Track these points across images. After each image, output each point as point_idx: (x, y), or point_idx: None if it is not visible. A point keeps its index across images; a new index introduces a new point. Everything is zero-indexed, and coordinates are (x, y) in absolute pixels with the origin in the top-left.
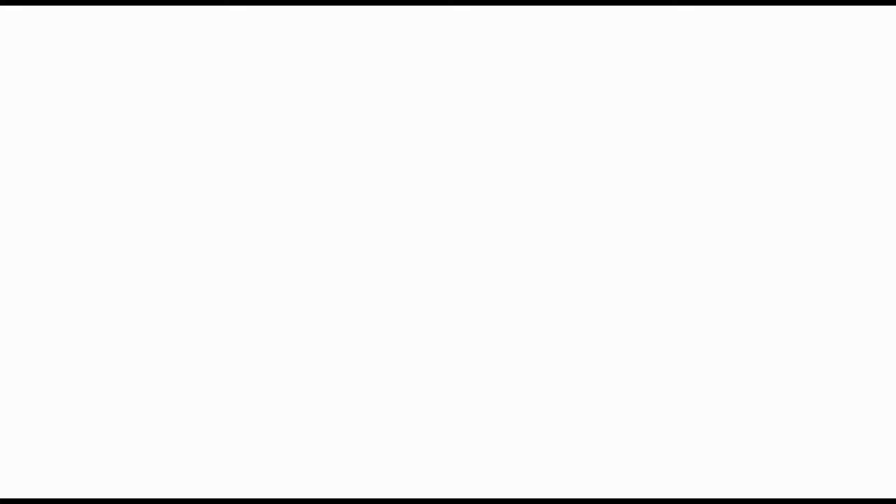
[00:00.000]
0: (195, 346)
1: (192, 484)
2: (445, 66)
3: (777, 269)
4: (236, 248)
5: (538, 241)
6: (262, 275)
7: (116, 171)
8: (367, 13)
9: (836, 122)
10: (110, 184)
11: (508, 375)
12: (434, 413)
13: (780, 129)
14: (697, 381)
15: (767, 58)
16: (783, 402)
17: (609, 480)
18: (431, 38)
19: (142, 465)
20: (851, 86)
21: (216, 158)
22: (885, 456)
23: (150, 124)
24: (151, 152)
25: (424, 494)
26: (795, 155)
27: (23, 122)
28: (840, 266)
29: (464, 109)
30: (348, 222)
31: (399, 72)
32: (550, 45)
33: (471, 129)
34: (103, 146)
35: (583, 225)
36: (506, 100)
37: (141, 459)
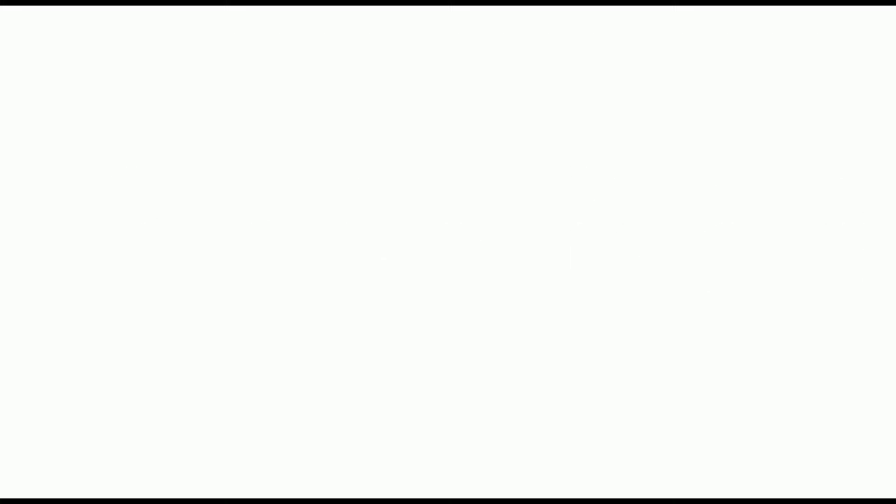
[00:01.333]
0: (195, 347)
1: (192, 484)
2: (445, 67)
3: (776, 269)
4: (235, 247)
5: (537, 240)
6: (262, 274)
7: (116, 171)
8: (367, 13)
9: (835, 121)
10: (110, 183)
11: (508, 376)
12: (434, 413)
13: (780, 128)
14: (697, 381)
15: (767, 58)
16: (783, 402)
17: (609, 481)
18: (431, 38)
19: (142, 465)
20: (851, 86)
21: (216, 158)
22: (886, 456)
23: (150, 124)
24: (151, 152)
25: (424, 494)
26: (795, 154)
27: (23, 121)
28: (840, 266)
29: (464, 109)
30: (347, 220)
31: (399, 72)
32: (550, 46)
33: (471, 129)
34: (103, 145)
35: (582, 224)
36: (506, 100)
37: (141, 459)
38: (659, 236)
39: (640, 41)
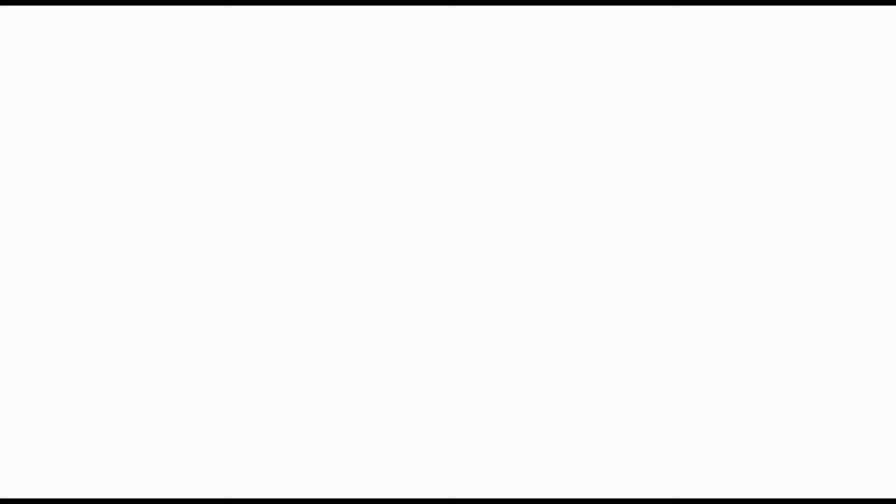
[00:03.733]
0: (194, 348)
1: (192, 484)
2: (445, 67)
3: (776, 270)
4: (235, 249)
5: (537, 241)
6: (261, 276)
7: (116, 171)
8: (367, 13)
9: (835, 122)
10: (110, 183)
11: (507, 377)
12: (434, 413)
13: (780, 129)
14: (697, 381)
15: (767, 58)
16: (783, 402)
17: (609, 480)
18: (431, 38)
19: (142, 465)
20: (851, 86)
21: (216, 159)
22: (886, 456)
23: (150, 124)
24: (151, 152)
25: (424, 494)
26: (795, 155)
27: (23, 122)
28: (840, 266)
29: (464, 110)
30: (347, 222)
31: (399, 72)
32: (550, 46)
33: (470, 129)
34: (103, 146)
35: (583, 225)
36: (506, 100)
37: (141, 459)
38: (659, 237)
39: (640, 41)
